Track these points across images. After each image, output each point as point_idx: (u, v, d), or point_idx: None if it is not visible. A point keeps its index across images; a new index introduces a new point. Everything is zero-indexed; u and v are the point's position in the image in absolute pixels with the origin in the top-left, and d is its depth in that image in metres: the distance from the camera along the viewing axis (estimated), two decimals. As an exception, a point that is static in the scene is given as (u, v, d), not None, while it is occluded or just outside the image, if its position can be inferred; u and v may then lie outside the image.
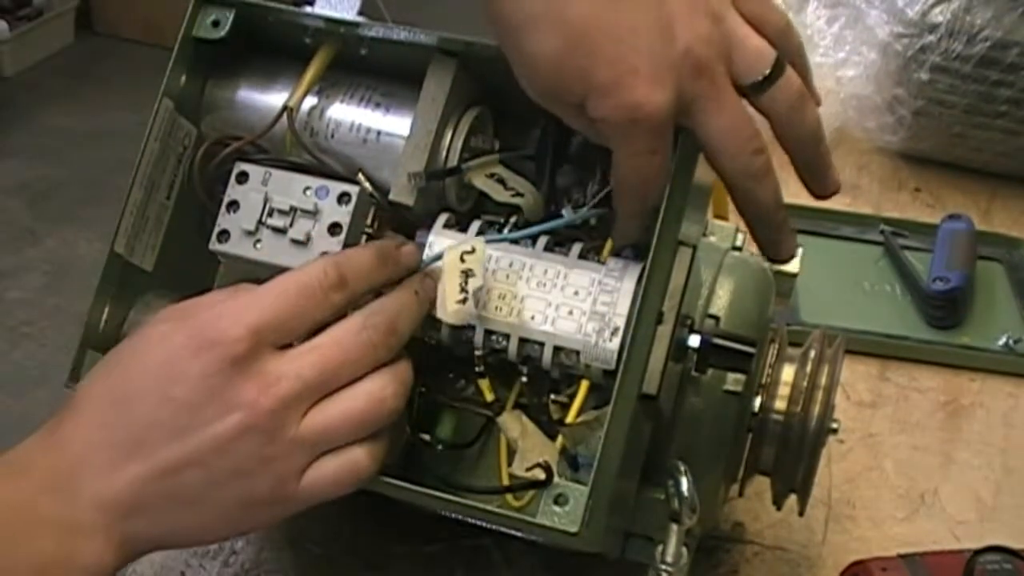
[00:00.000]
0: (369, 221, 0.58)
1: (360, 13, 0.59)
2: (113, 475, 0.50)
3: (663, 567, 0.54)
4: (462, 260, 0.54)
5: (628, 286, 0.54)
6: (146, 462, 0.50)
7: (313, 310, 0.51)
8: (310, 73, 0.59)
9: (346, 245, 0.56)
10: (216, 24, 0.60)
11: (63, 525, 0.49)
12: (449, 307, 0.54)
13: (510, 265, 0.56)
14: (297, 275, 0.52)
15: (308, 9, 0.59)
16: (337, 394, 0.51)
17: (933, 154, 1.11)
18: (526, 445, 0.54)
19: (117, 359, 0.52)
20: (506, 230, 0.57)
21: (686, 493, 0.54)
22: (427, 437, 0.59)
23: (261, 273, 0.58)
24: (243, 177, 0.58)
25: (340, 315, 0.52)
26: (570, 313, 0.55)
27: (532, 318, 0.55)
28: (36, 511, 0.49)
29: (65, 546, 0.49)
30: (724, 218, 0.86)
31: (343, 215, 0.56)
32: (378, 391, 0.52)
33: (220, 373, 0.49)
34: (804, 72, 0.54)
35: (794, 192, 1.06)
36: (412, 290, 0.54)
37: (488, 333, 0.56)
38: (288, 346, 0.51)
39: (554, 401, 0.57)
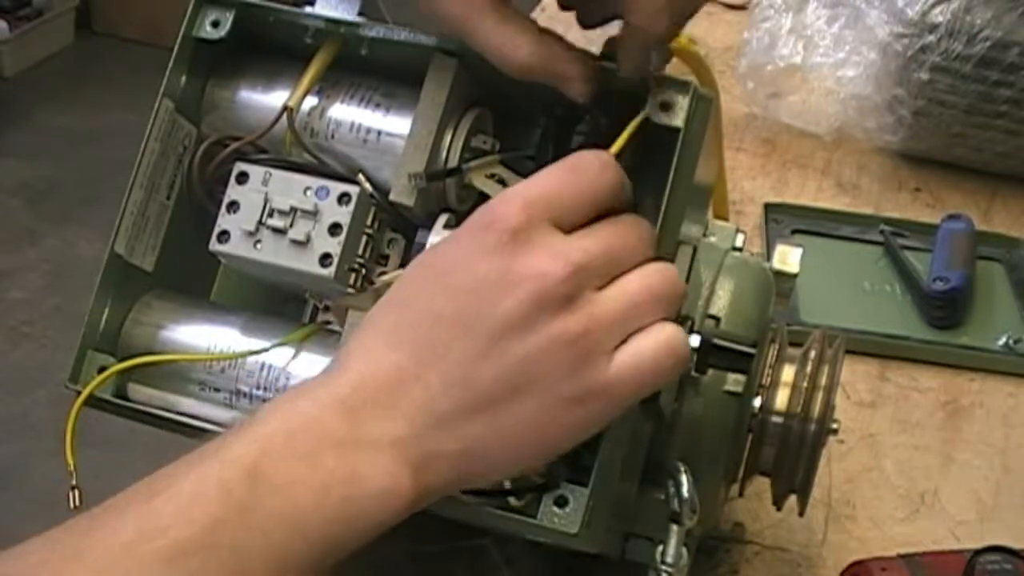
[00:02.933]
0: (369, 221, 0.58)
1: (360, 13, 0.59)
2: (404, 384, 0.46)
3: (663, 567, 0.54)
4: None
5: (628, 286, 0.54)
6: (437, 363, 0.46)
7: (585, 185, 0.49)
8: (310, 73, 0.59)
9: (346, 246, 0.56)
10: (216, 24, 0.60)
11: (346, 442, 0.45)
12: None
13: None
14: (567, 158, 0.50)
15: (308, 9, 0.59)
16: (628, 272, 0.48)
17: (933, 154, 1.11)
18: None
19: (399, 280, 0.50)
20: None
21: (686, 494, 0.54)
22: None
23: (262, 273, 0.58)
24: (243, 177, 0.58)
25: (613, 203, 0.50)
26: (570, 313, 0.55)
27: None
28: (318, 427, 0.45)
29: (347, 465, 0.45)
30: (724, 218, 0.86)
31: (343, 215, 0.56)
32: (667, 270, 0.49)
33: (500, 249, 0.46)
34: None
35: (794, 192, 1.07)
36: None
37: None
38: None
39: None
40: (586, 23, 0.56)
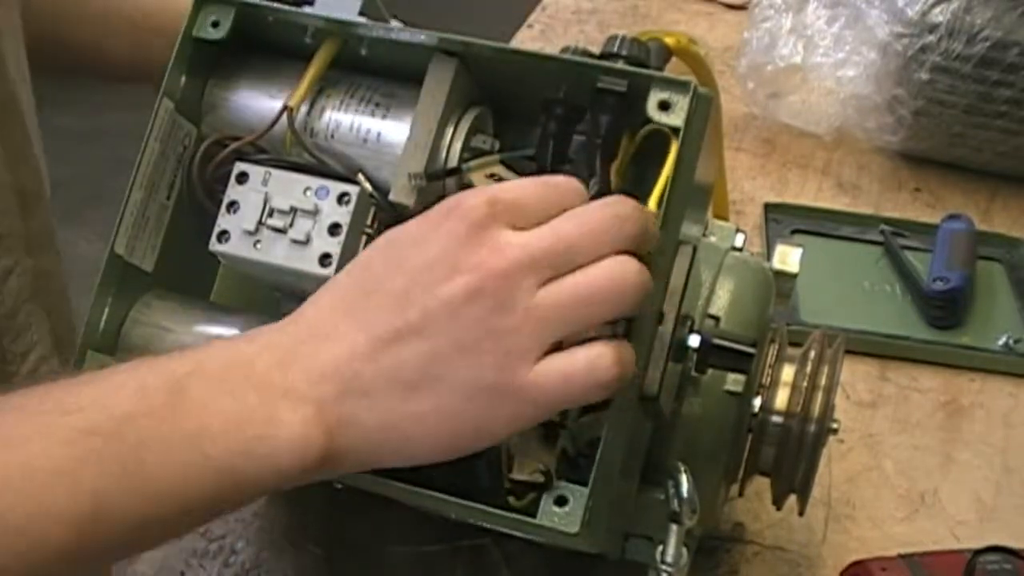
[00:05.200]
0: (369, 221, 0.58)
1: (361, 13, 0.59)
2: (335, 344, 0.48)
3: (663, 567, 0.54)
4: None
5: (628, 286, 0.54)
6: (369, 330, 0.48)
7: (551, 204, 0.49)
8: (310, 73, 0.59)
9: (346, 246, 0.56)
10: (216, 24, 0.60)
11: (274, 386, 0.47)
12: None
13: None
14: (541, 177, 0.51)
15: (308, 9, 0.59)
16: (575, 271, 0.48)
17: (933, 154, 1.11)
18: (526, 448, 0.54)
19: (369, 247, 0.52)
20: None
21: (686, 493, 0.54)
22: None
23: (262, 273, 0.58)
24: (243, 177, 0.58)
25: None
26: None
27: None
28: (251, 368, 0.48)
29: (269, 407, 0.47)
30: (724, 218, 0.86)
31: (343, 215, 0.56)
32: (619, 269, 0.48)
33: (453, 237, 0.48)
34: None
35: (794, 192, 1.07)
36: None
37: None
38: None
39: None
40: None
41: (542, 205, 0.49)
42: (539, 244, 0.48)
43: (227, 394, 0.47)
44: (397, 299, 0.48)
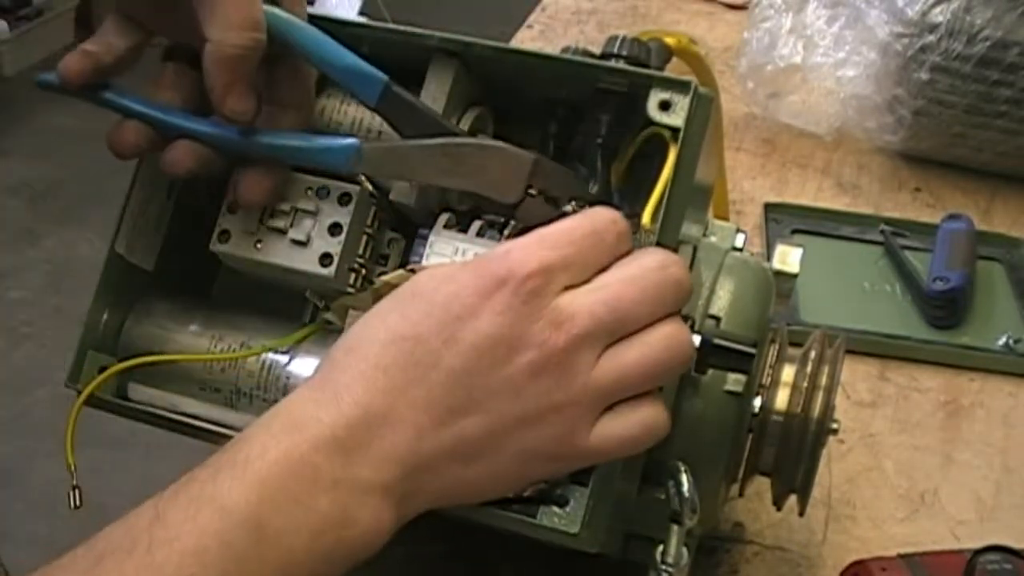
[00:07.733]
0: (369, 221, 0.58)
1: (361, 13, 0.59)
2: (397, 427, 0.47)
3: (664, 567, 0.54)
4: None
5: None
6: (430, 410, 0.47)
7: (600, 255, 0.49)
8: (310, 73, 0.59)
9: (346, 246, 0.56)
10: (216, 24, 0.60)
11: (340, 484, 0.46)
12: None
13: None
14: (584, 220, 0.50)
15: (309, 9, 0.59)
16: (632, 338, 0.49)
17: (933, 154, 1.11)
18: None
19: (396, 300, 0.49)
20: (506, 231, 0.57)
21: (687, 493, 0.54)
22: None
23: (262, 274, 0.58)
24: (243, 177, 0.57)
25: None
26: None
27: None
28: (313, 470, 0.46)
29: (340, 507, 0.46)
30: (724, 218, 0.86)
31: (344, 215, 0.56)
32: (676, 335, 0.49)
33: (510, 311, 0.47)
34: None
35: (794, 192, 1.07)
36: None
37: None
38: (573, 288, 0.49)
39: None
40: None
41: (592, 259, 0.49)
42: (598, 315, 0.48)
43: (299, 508, 0.46)
44: (457, 377, 0.47)
